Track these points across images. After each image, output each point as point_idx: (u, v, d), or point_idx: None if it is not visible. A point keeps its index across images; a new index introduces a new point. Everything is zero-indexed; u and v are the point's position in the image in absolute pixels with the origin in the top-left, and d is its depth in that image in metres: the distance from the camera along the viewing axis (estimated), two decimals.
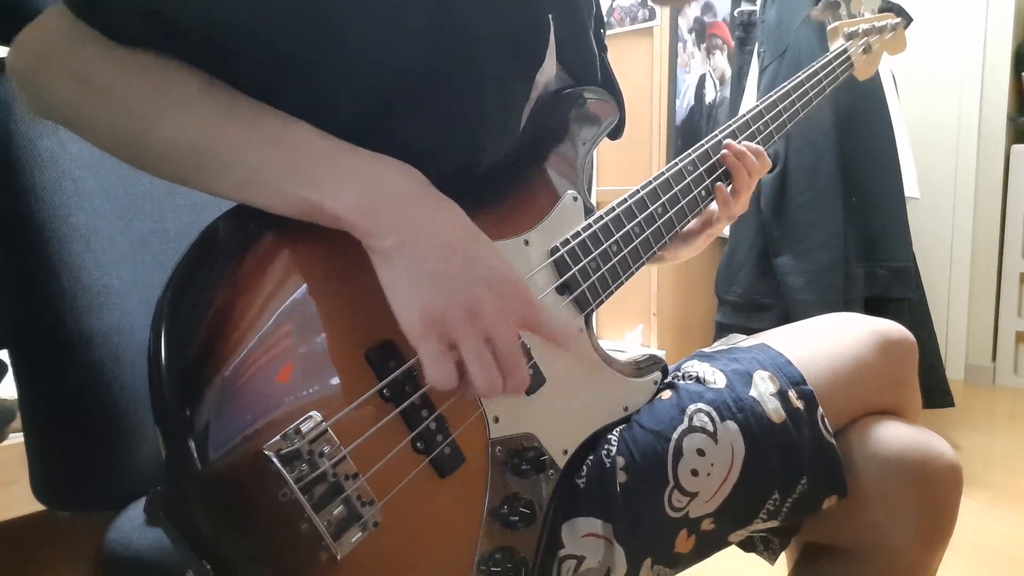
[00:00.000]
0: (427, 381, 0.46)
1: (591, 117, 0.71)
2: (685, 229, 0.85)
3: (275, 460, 0.42)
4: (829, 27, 1.10)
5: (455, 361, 0.47)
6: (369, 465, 0.47)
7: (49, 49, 0.47)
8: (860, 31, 1.07)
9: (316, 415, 0.45)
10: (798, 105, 0.91)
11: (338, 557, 0.44)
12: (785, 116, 0.89)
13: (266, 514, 0.43)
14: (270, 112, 0.48)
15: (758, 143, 0.84)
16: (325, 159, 0.48)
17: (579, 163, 0.70)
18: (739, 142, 0.81)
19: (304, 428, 0.44)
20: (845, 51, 1.03)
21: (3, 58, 0.65)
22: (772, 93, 0.89)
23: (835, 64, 1.00)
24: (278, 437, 0.43)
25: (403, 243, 0.46)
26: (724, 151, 0.79)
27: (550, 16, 0.62)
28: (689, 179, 0.76)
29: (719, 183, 0.79)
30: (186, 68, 0.47)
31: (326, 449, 0.45)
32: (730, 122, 0.83)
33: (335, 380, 0.48)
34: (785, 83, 0.91)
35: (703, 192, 0.77)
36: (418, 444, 0.50)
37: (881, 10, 1.15)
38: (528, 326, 0.51)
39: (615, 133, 0.76)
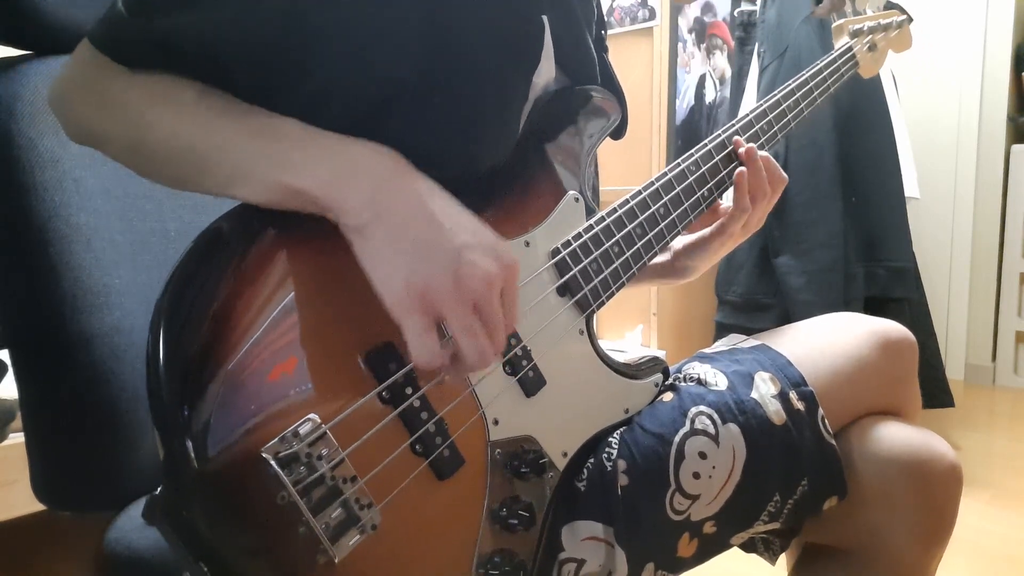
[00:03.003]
0: (412, 359, 0.45)
1: (592, 117, 0.71)
2: (699, 236, 0.81)
3: (273, 463, 0.42)
4: (834, 25, 1.09)
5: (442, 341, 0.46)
6: (368, 468, 0.47)
7: (76, 77, 0.52)
8: (865, 28, 1.06)
9: (315, 417, 0.45)
10: (803, 104, 0.89)
11: (336, 560, 0.44)
12: (790, 116, 0.87)
13: (264, 516, 0.43)
14: (260, 111, 0.50)
15: (762, 143, 0.82)
16: (301, 143, 0.48)
17: (581, 163, 0.69)
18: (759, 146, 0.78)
19: (302, 431, 0.44)
20: (850, 49, 1.01)
21: (8, 58, 0.65)
22: (776, 92, 0.88)
23: (840, 62, 0.98)
24: (276, 440, 0.43)
25: (378, 216, 0.46)
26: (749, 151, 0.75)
27: (544, 17, 0.62)
28: (692, 179, 0.75)
29: (740, 169, 0.76)
30: (183, 79, 0.49)
31: (324, 452, 0.45)
32: (733, 121, 0.81)
33: (334, 382, 0.47)
34: (789, 82, 0.90)
35: (706, 192, 0.76)
36: (417, 447, 0.50)
37: (886, 7, 1.14)
38: (510, 292, 0.49)
39: (617, 133, 0.75)
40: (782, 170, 0.79)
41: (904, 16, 1.10)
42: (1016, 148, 2.79)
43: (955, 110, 2.81)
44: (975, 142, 2.79)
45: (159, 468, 0.42)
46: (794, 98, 0.88)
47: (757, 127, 0.83)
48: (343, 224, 0.47)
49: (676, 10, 2.21)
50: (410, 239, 0.46)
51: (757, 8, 2.11)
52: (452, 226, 0.48)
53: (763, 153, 0.77)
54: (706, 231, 0.82)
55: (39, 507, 0.67)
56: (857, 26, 1.06)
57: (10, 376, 0.68)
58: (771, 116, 0.85)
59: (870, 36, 1.06)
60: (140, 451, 0.67)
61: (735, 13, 2.31)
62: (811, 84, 0.91)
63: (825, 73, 0.94)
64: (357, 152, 0.49)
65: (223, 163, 0.47)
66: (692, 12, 2.30)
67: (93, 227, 0.66)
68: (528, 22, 0.60)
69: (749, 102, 2.13)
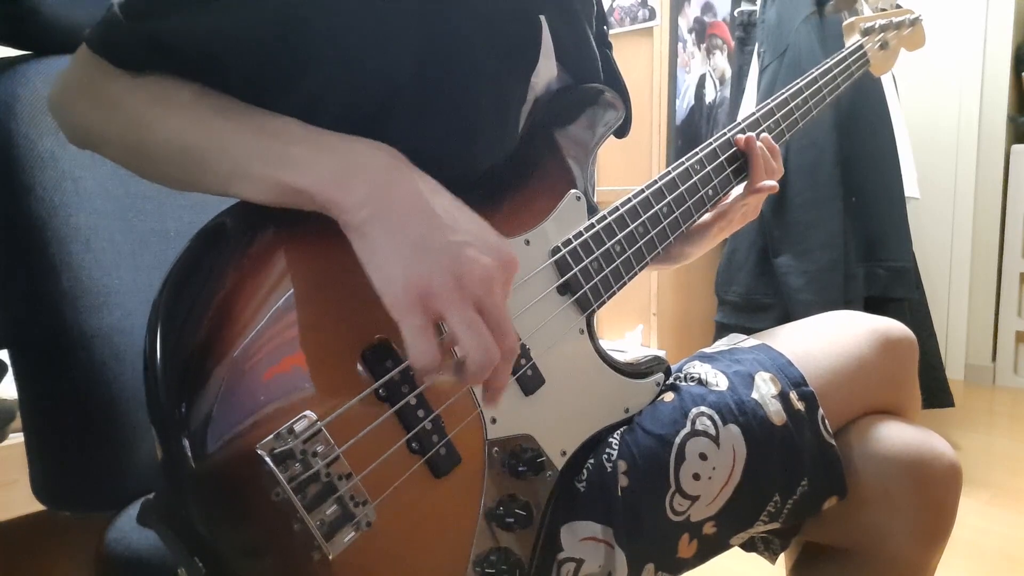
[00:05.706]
0: (410, 360, 0.44)
1: (595, 115, 0.70)
2: (700, 222, 0.82)
3: (268, 460, 0.42)
4: (844, 23, 1.08)
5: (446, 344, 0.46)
6: (363, 465, 0.47)
7: (74, 80, 0.52)
8: (876, 27, 1.05)
9: (310, 414, 0.45)
10: (811, 103, 0.88)
11: (330, 557, 0.44)
12: (798, 114, 0.86)
13: (259, 513, 0.43)
14: (259, 110, 0.50)
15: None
16: (300, 141, 0.48)
17: (583, 162, 0.69)
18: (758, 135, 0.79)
19: (298, 428, 0.44)
20: (861, 47, 1.00)
21: (8, 58, 0.65)
22: (784, 90, 0.86)
23: (850, 60, 0.97)
24: (271, 436, 0.43)
25: (377, 213, 0.45)
26: (749, 140, 0.77)
27: (542, 17, 0.62)
28: (696, 178, 0.74)
29: (749, 135, 0.78)
30: (180, 80, 0.49)
31: (320, 449, 0.45)
32: (741, 119, 0.81)
33: (330, 380, 0.47)
34: (797, 80, 0.88)
35: (710, 191, 0.76)
36: (413, 444, 0.50)
37: (897, 5, 1.13)
38: (507, 291, 0.48)
39: (621, 131, 0.74)
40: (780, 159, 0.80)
41: (917, 14, 1.09)
42: (1016, 148, 2.79)
43: (955, 110, 2.81)
44: (975, 142, 2.79)
45: (157, 467, 0.42)
46: (802, 96, 0.87)
47: (764, 125, 0.82)
48: (342, 222, 0.46)
49: (676, 10, 2.21)
50: (409, 237, 0.45)
51: (757, 8, 2.11)
52: (451, 223, 0.47)
53: (762, 136, 0.78)
54: (707, 216, 0.82)
55: (39, 507, 0.67)
56: (869, 24, 1.05)
57: (10, 376, 0.68)
58: (779, 115, 0.84)
59: (882, 34, 1.05)
60: (140, 451, 0.67)
61: (735, 13, 2.32)
62: (820, 82, 0.90)
63: (835, 71, 0.93)
64: (356, 150, 0.48)
65: (223, 161, 0.47)
66: (692, 12, 2.30)
67: (93, 227, 0.66)
68: (524, 23, 0.59)
69: (749, 102, 2.12)
